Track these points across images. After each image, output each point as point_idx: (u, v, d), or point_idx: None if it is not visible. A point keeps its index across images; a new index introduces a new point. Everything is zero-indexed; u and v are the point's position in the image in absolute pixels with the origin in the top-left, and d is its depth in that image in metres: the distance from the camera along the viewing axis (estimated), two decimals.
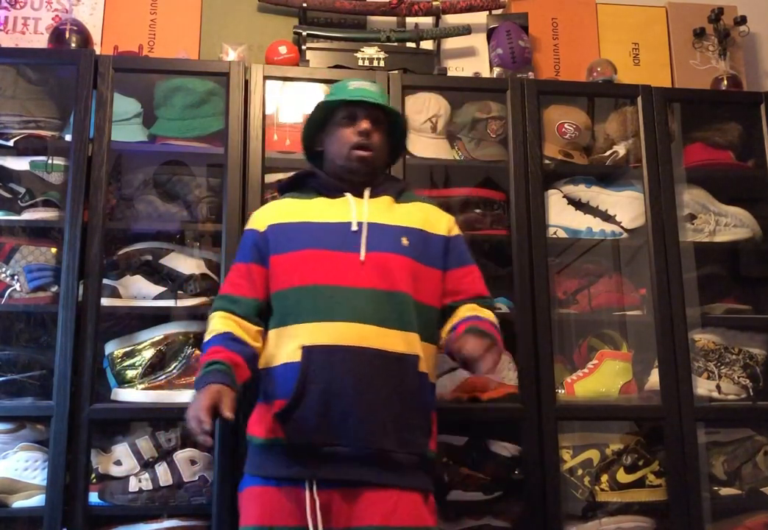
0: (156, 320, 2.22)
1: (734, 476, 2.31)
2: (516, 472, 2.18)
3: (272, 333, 1.71)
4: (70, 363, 2.04)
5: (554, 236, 2.39)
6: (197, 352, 2.14)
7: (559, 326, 2.33)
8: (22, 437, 2.09)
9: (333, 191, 1.79)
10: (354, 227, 1.71)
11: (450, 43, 2.72)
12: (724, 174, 2.59)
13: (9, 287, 2.18)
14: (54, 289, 2.16)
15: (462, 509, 2.16)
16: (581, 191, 2.50)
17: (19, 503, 2.03)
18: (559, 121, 2.49)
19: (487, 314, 1.75)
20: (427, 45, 2.63)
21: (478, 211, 2.39)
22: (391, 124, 1.83)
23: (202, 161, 2.39)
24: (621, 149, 2.49)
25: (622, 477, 2.23)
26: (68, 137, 2.24)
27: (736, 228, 2.51)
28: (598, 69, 2.63)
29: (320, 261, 1.69)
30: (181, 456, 2.09)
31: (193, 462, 2.09)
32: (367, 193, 1.77)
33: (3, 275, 2.19)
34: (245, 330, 1.70)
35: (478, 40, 2.75)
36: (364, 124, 1.75)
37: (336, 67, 2.47)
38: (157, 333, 2.19)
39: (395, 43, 2.58)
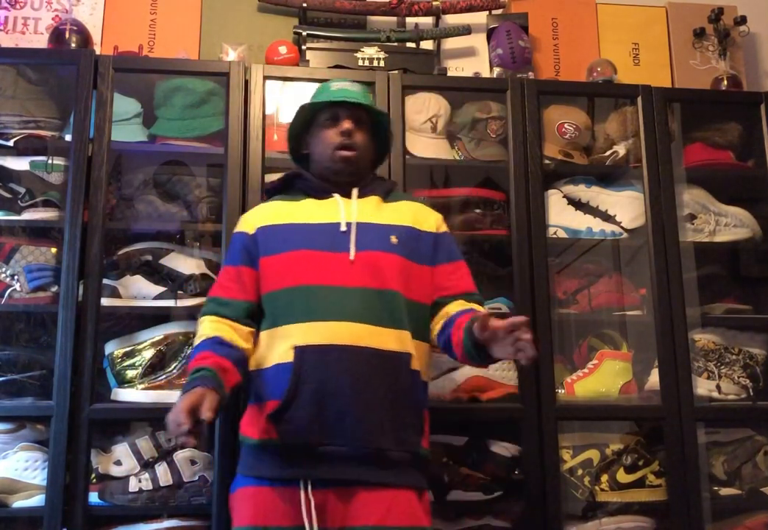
0: (156, 320, 2.22)
1: (734, 476, 2.31)
2: (516, 472, 2.18)
3: (264, 335, 1.71)
4: (70, 363, 2.04)
5: (554, 236, 2.39)
6: None
7: (559, 326, 2.33)
8: (22, 437, 2.10)
9: (321, 192, 1.80)
10: (343, 228, 1.72)
11: (450, 43, 2.72)
12: (724, 174, 2.59)
13: (9, 287, 2.18)
14: (54, 289, 2.16)
15: (462, 509, 2.16)
16: (581, 191, 2.50)
17: (19, 503, 2.03)
18: (559, 121, 2.49)
19: (479, 308, 1.75)
20: (427, 45, 2.63)
21: (478, 211, 2.39)
22: (377, 124, 1.84)
23: (202, 161, 2.39)
24: (621, 149, 2.49)
25: (622, 477, 2.23)
26: (68, 137, 2.24)
27: (736, 228, 2.51)
28: (598, 69, 2.63)
29: (310, 262, 1.69)
30: (181, 456, 2.09)
31: (193, 462, 2.09)
32: (355, 193, 1.78)
33: (3, 275, 2.19)
34: (236, 332, 1.70)
35: (478, 40, 2.75)
36: (346, 125, 1.76)
37: (336, 67, 2.47)
38: (157, 333, 2.19)
39: (395, 43, 2.58)
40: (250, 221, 1.81)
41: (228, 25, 2.67)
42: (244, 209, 2.14)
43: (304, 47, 2.52)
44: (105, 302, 2.14)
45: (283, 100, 2.39)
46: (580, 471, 2.24)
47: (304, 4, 2.62)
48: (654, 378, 2.30)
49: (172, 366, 2.15)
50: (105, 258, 2.19)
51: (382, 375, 1.63)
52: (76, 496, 1.99)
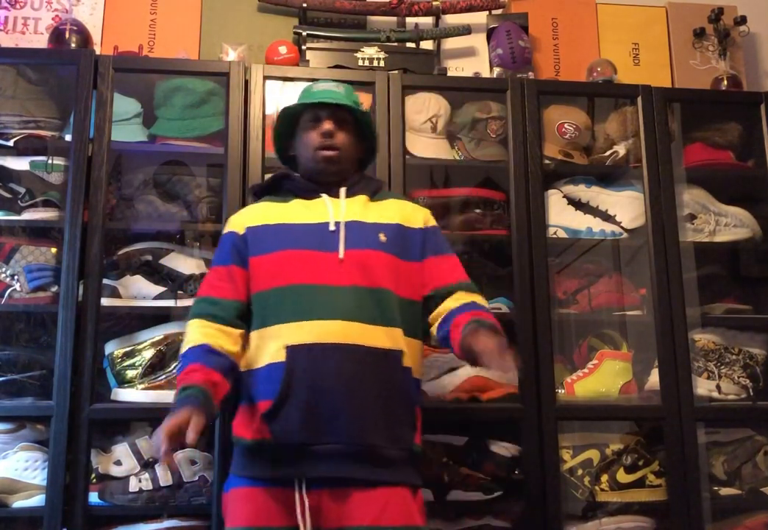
0: (156, 320, 2.22)
1: (734, 476, 2.31)
2: (516, 472, 2.18)
3: (254, 335, 1.71)
4: (70, 363, 2.04)
5: (554, 236, 2.39)
6: None
7: (559, 326, 2.33)
8: (22, 437, 2.10)
9: (309, 193, 1.80)
10: (332, 227, 1.72)
11: (450, 43, 2.72)
12: (724, 174, 2.59)
13: (9, 287, 2.18)
14: (54, 289, 2.16)
15: (462, 509, 2.16)
16: (581, 191, 2.50)
17: (19, 503, 2.03)
18: (559, 121, 2.49)
19: (478, 299, 1.74)
20: (427, 45, 2.63)
21: (478, 211, 2.39)
22: (363, 125, 1.85)
23: (202, 161, 2.39)
24: (621, 149, 2.49)
25: (622, 477, 2.23)
26: (68, 137, 2.24)
27: (736, 228, 2.51)
28: (598, 69, 2.63)
29: (300, 261, 1.69)
30: (181, 456, 2.09)
31: (193, 462, 2.09)
32: (342, 192, 1.79)
33: (3, 275, 2.19)
34: (225, 336, 1.68)
35: (478, 40, 2.75)
36: (327, 126, 1.77)
37: (336, 67, 2.47)
38: (157, 333, 2.19)
39: (395, 43, 2.58)
40: (239, 222, 1.81)
41: (228, 25, 2.67)
42: None
43: (304, 47, 2.52)
44: (105, 302, 2.14)
45: (283, 101, 2.38)
46: (580, 471, 2.24)
47: (304, 4, 2.62)
48: (654, 378, 2.30)
49: (172, 366, 2.15)
50: (105, 258, 2.19)
51: (374, 373, 1.63)
52: (76, 496, 1.99)
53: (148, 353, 2.17)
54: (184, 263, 2.27)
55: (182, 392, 1.57)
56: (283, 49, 2.49)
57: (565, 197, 2.48)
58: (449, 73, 2.61)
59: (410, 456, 1.67)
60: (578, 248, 2.44)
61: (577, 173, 2.51)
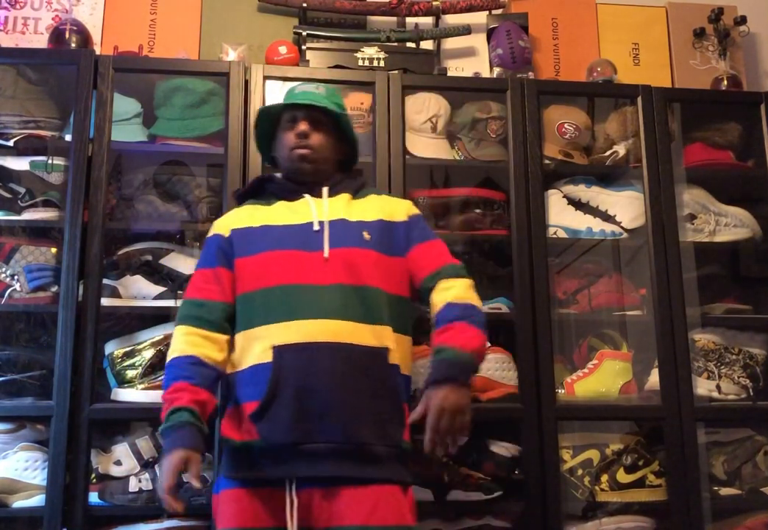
0: (156, 320, 2.22)
1: (734, 476, 2.31)
2: (516, 472, 2.18)
3: (239, 337, 1.71)
4: (70, 363, 2.04)
5: (554, 236, 2.39)
6: None
7: (559, 326, 2.33)
8: (22, 437, 2.10)
9: (291, 194, 1.81)
10: (316, 227, 1.72)
11: (450, 43, 2.72)
12: (724, 174, 2.59)
13: (9, 287, 2.18)
14: (54, 289, 2.16)
15: (462, 509, 2.16)
16: (581, 191, 2.50)
17: (19, 503, 2.03)
18: (559, 121, 2.49)
19: (457, 289, 1.72)
20: (427, 45, 2.62)
21: (478, 211, 2.39)
22: (345, 126, 1.85)
23: (202, 161, 2.39)
24: (621, 149, 2.49)
25: (622, 477, 2.23)
26: (68, 137, 2.24)
27: (736, 228, 2.51)
28: (598, 69, 2.63)
29: (285, 262, 1.69)
30: None
31: None
32: (325, 192, 1.79)
33: (3, 275, 2.19)
34: (212, 343, 1.68)
35: (478, 40, 2.75)
36: (302, 126, 1.78)
37: (336, 67, 2.47)
38: (157, 333, 2.19)
39: (395, 43, 2.58)
40: (224, 225, 1.81)
41: (228, 25, 2.67)
42: None
43: (304, 47, 2.52)
44: (105, 302, 2.14)
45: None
46: (580, 471, 2.24)
47: (304, 4, 2.62)
48: (654, 378, 2.30)
49: None
50: (105, 258, 2.19)
51: (361, 371, 1.63)
52: (76, 496, 1.99)
53: (148, 353, 2.17)
54: (184, 263, 2.27)
55: (171, 417, 1.58)
56: (283, 49, 2.49)
57: (565, 197, 2.48)
58: (449, 73, 2.61)
59: (399, 453, 1.67)
60: (578, 248, 2.44)
61: (577, 173, 2.51)
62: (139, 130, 2.34)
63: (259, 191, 1.86)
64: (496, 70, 2.63)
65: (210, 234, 1.83)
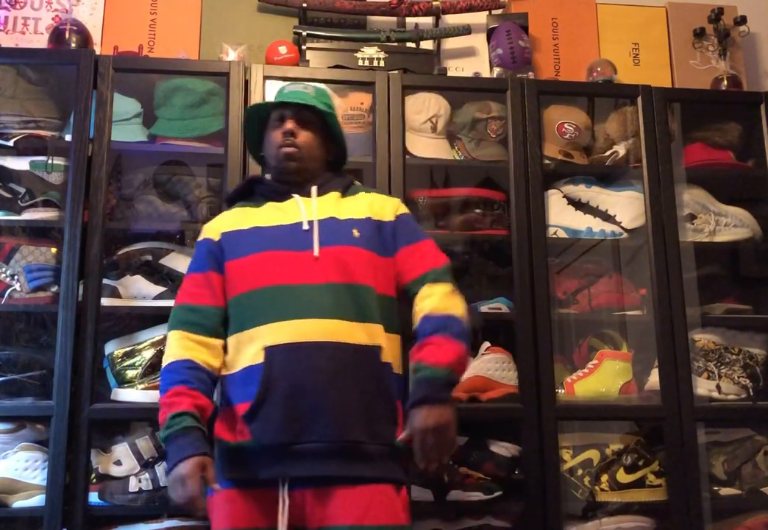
0: (156, 320, 2.21)
1: (734, 476, 2.32)
2: (516, 472, 2.19)
3: (232, 339, 1.71)
4: (70, 363, 2.04)
5: (554, 236, 2.39)
6: None
7: (559, 326, 2.33)
8: (22, 437, 2.10)
9: (280, 195, 1.80)
10: (305, 226, 1.72)
11: (450, 43, 2.72)
12: (724, 174, 2.59)
13: (9, 287, 2.18)
14: (54, 289, 2.16)
15: (462, 509, 2.16)
16: (581, 191, 2.50)
17: (19, 503, 2.03)
18: (559, 121, 2.49)
19: (438, 297, 1.71)
20: (427, 45, 2.62)
21: (478, 211, 2.39)
22: (334, 126, 1.85)
23: (202, 161, 2.39)
24: (621, 149, 2.49)
25: (622, 477, 2.23)
26: (68, 137, 2.24)
27: (736, 228, 2.51)
28: (598, 69, 2.63)
29: (275, 262, 1.69)
30: None
31: None
32: (314, 191, 1.79)
33: (3, 275, 2.19)
34: (208, 348, 1.69)
35: (478, 40, 2.75)
36: (288, 125, 1.79)
37: (336, 67, 2.47)
38: (157, 333, 2.19)
39: (395, 43, 2.58)
40: (213, 228, 1.81)
41: (228, 25, 2.67)
42: None
43: (304, 47, 2.52)
44: (105, 302, 2.14)
45: None
46: (580, 471, 2.24)
47: (304, 4, 2.62)
48: (654, 378, 2.30)
49: None
50: (105, 258, 2.19)
51: (353, 369, 1.63)
52: (76, 496, 1.99)
53: (148, 353, 2.17)
54: (184, 263, 2.25)
55: (174, 422, 1.59)
56: (283, 49, 2.49)
57: (565, 197, 2.48)
58: (449, 73, 2.61)
59: (392, 451, 1.66)
60: (578, 248, 2.44)
61: (577, 173, 2.51)
62: (139, 131, 2.34)
63: (249, 193, 1.86)
64: (496, 70, 2.63)
65: (200, 238, 1.83)
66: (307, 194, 1.79)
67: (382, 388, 1.67)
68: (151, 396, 2.10)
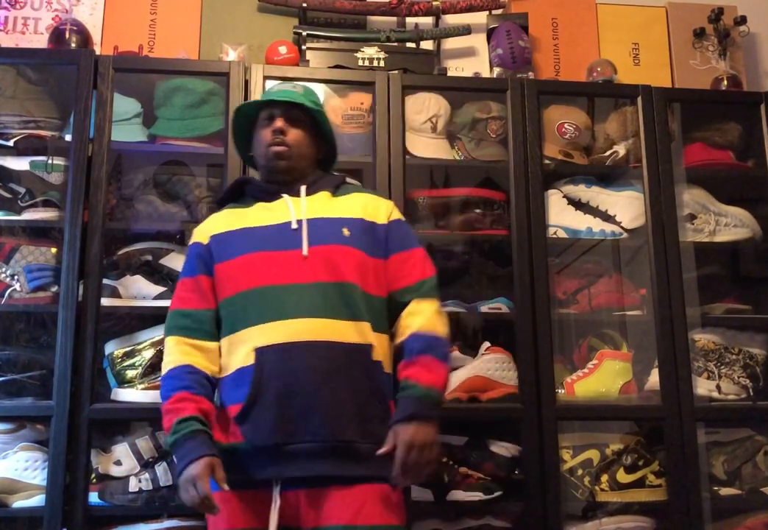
0: (156, 320, 2.21)
1: (734, 476, 2.32)
2: (516, 472, 2.18)
3: (224, 341, 1.71)
4: (70, 363, 2.04)
5: (554, 236, 2.39)
6: None
7: (559, 326, 2.33)
8: (22, 437, 2.10)
9: (270, 195, 1.80)
10: (294, 225, 1.72)
11: (450, 43, 2.72)
12: (724, 174, 2.59)
13: (9, 287, 2.18)
14: (54, 289, 2.16)
15: (462, 509, 2.16)
16: (581, 191, 2.50)
17: (19, 503, 2.03)
18: (559, 121, 2.49)
19: (427, 322, 1.70)
20: (427, 45, 2.62)
21: (478, 211, 2.39)
22: (323, 125, 1.85)
23: (202, 161, 2.39)
24: (621, 149, 2.49)
25: (622, 477, 2.23)
26: (68, 137, 2.24)
27: (736, 228, 2.51)
28: (598, 69, 2.63)
29: (263, 263, 1.69)
30: None
31: None
32: (303, 190, 1.79)
33: (3, 275, 2.19)
34: (205, 353, 1.70)
35: (478, 40, 2.75)
36: (278, 123, 1.78)
37: (336, 67, 2.47)
38: (157, 333, 2.19)
39: (395, 43, 2.58)
40: (203, 231, 1.81)
41: (228, 25, 2.67)
42: None
43: (304, 47, 2.52)
44: (105, 302, 2.14)
45: None
46: (580, 471, 2.24)
47: (304, 4, 2.62)
48: (654, 378, 2.30)
49: None
50: (105, 258, 2.19)
51: (344, 368, 1.63)
52: (76, 496, 1.99)
53: (148, 353, 2.17)
54: None
55: (180, 427, 1.59)
56: (283, 49, 2.49)
57: (565, 197, 2.48)
58: (449, 73, 2.61)
59: None
60: (578, 248, 2.44)
61: (577, 173, 2.51)
62: (139, 130, 2.34)
63: (239, 194, 1.86)
64: (496, 70, 2.63)
65: (190, 242, 1.83)
66: (297, 194, 1.78)
67: (375, 387, 1.67)
68: (151, 396, 2.10)
